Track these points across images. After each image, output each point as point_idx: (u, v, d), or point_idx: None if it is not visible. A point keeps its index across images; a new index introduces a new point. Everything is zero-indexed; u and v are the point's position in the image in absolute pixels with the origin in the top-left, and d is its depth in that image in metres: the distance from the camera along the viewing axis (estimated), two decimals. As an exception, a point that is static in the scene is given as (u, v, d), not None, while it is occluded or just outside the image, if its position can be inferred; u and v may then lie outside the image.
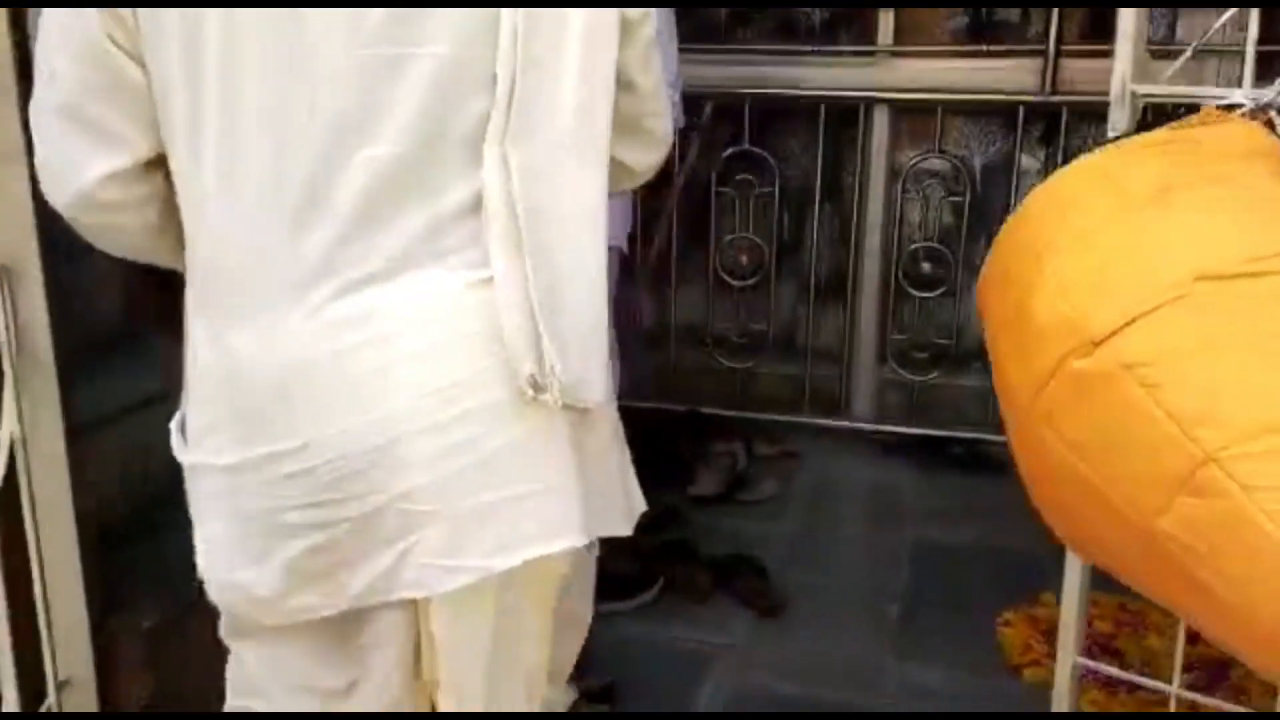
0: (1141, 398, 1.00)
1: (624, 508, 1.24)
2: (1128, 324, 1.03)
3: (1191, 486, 0.97)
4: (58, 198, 1.13)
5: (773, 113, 3.43)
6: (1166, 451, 0.99)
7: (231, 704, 1.28)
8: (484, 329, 1.07)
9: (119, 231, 1.17)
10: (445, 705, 1.22)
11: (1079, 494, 1.09)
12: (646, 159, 1.28)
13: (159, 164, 1.11)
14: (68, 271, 1.68)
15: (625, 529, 1.24)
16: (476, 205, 1.06)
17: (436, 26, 1.03)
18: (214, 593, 1.17)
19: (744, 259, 3.53)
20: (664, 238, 3.49)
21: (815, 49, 3.33)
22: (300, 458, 1.07)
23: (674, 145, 1.59)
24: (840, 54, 3.34)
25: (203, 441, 1.13)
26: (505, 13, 1.03)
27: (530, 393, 1.06)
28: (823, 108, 3.30)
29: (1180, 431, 0.98)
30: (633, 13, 1.14)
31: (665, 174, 3.33)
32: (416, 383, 1.06)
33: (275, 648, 1.22)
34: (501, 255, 1.06)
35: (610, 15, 1.10)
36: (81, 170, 1.09)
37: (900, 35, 3.24)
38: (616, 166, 1.19)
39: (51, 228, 1.52)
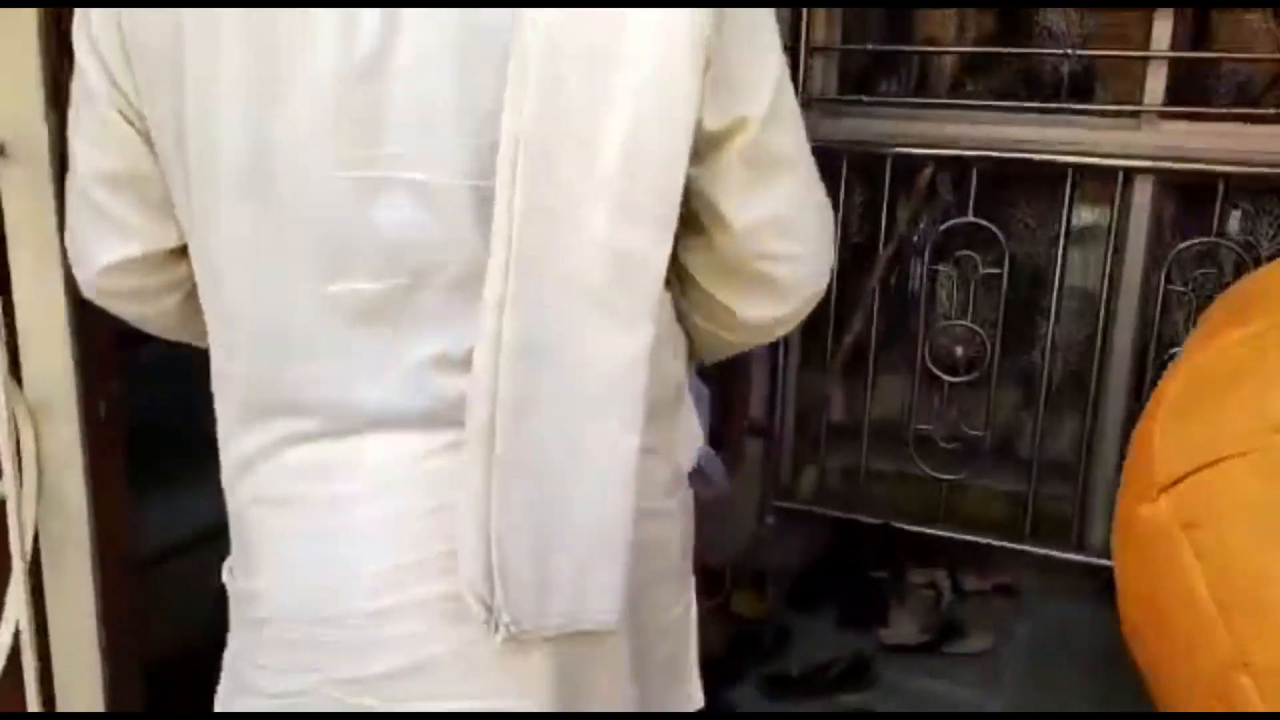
0: (1191, 568, 0.90)
1: None
2: (1192, 473, 0.90)
3: (1219, 687, 0.88)
4: (79, 278, 1.05)
5: (1004, 180, 2.89)
6: (1202, 640, 0.89)
7: None
8: (446, 507, 0.88)
9: (139, 319, 1.08)
10: None
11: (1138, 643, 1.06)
12: (767, 311, 0.99)
13: (184, 252, 0.98)
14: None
15: None
16: (461, 361, 0.86)
17: (422, 146, 0.83)
18: None
19: (959, 350, 2.98)
20: (863, 320, 2.98)
21: (1062, 106, 2.77)
22: (262, 603, 0.97)
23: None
24: (1095, 113, 2.77)
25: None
26: (505, 135, 0.79)
27: (486, 624, 0.87)
28: (1069, 176, 2.73)
29: (1219, 619, 0.88)
30: (721, 116, 0.85)
31: (869, 247, 2.86)
32: (367, 557, 0.91)
33: None
34: (474, 457, 0.85)
35: (675, 132, 0.82)
36: (94, 256, 1.00)
37: (1173, 94, 2.66)
38: (720, 319, 0.98)
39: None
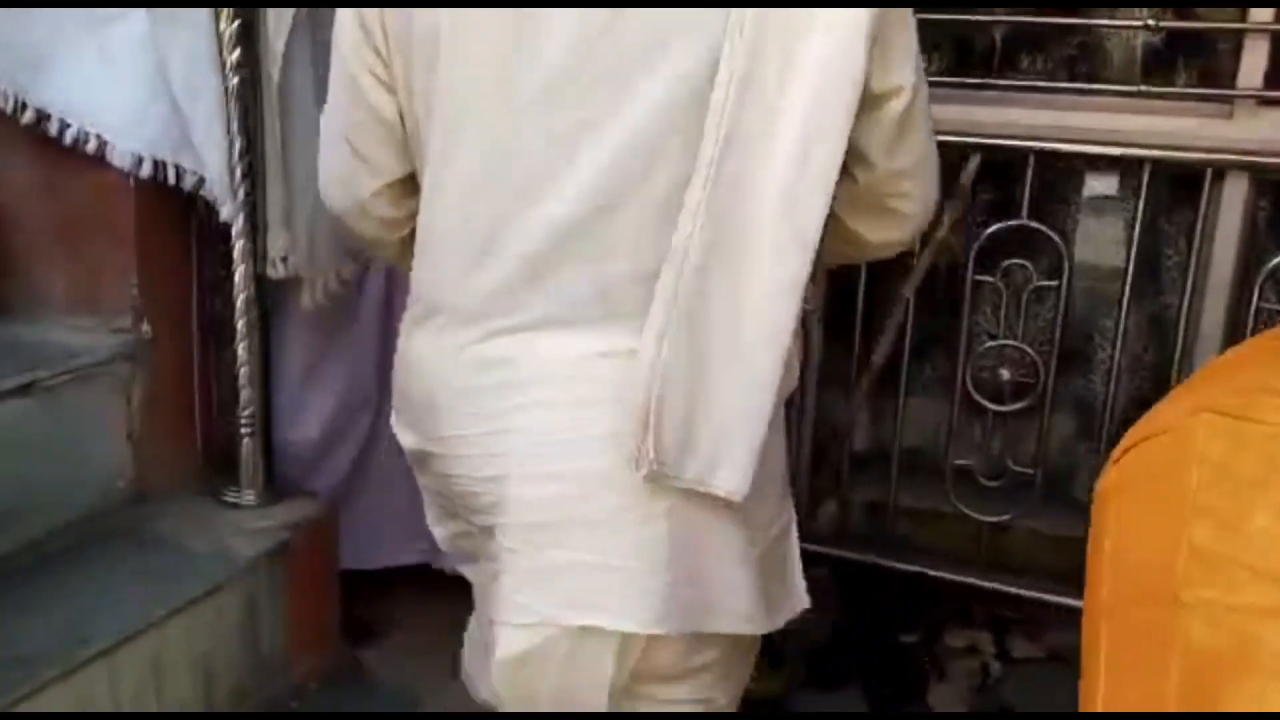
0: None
1: (744, 609, 1.22)
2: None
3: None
4: (336, 203, 1.33)
5: (1065, 175, 2.47)
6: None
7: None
8: (608, 400, 1.11)
9: (378, 242, 1.36)
10: None
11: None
12: (889, 235, 1.28)
13: (416, 186, 1.25)
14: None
15: (744, 627, 1.23)
16: (645, 276, 1.08)
17: (637, 94, 1.04)
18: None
19: (1006, 373, 2.56)
20: (894, 334, 2.56)
21: (1138, 90, 2.34)
22: (441, 463, 1.24)
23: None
24: (1177, 97, 2.34)
25: (395, 418, 1.32)
26: (717, 89, 1.02)
27: (638, 469, 1.09)
28: (1145, 170, 2.31)
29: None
30: (883, 83, 1.09)
31: (901, 255, 2.43)
32: (529, 433, 1.14)
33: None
34: (652, 333, 1.07)
35: (847, 92, 1.04)
36: (359, 188, 1.28)
37: (1274, 77, 2.23)
38: (849, 239, 1.24)
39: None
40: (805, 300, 1.09)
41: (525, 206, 1.08)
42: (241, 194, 1.62)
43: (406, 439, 1.27)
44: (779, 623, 1.26)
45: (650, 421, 1.05)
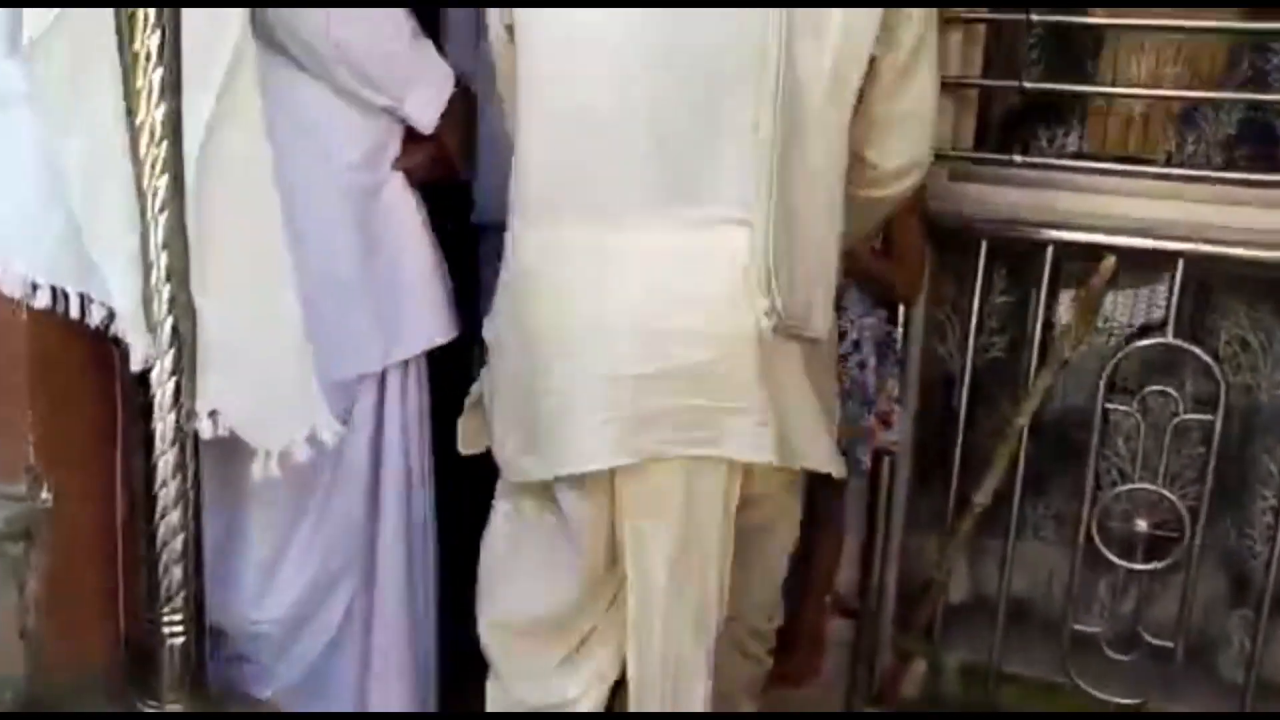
0: None
1: (831, 447, 1.44)
2: None
3: None
4: None
5: (1219, 283, 2.00)
6: None
7: None
8: (723, 262, 1.28)
9: None
10: (630, 603, 1.39)
11: None
12: (904, 157, 1.44)
13: None
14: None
15: (831, 468, 1.43)
16: (739, 158, 1.27)
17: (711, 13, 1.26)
18: None
19: (1141, 521, 2.09)
20: (1003, 470, 2.09)
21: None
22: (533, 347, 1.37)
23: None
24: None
25: None
26: (772, 27, 1.24)
27: (763, 321, 1.28)
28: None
29: None
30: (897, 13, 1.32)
31: (1012, 367, 1.98)
32: (646, 290, 1.29)
33: None
34: (757, 204, 1.26)
35: (867, 33, 1.29)
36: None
37: None
38: (866, 172, 1.42)
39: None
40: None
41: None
42: (166, 331, 1.21)
43: None
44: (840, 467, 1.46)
45: (771, 281, 1.26)
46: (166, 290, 1.20)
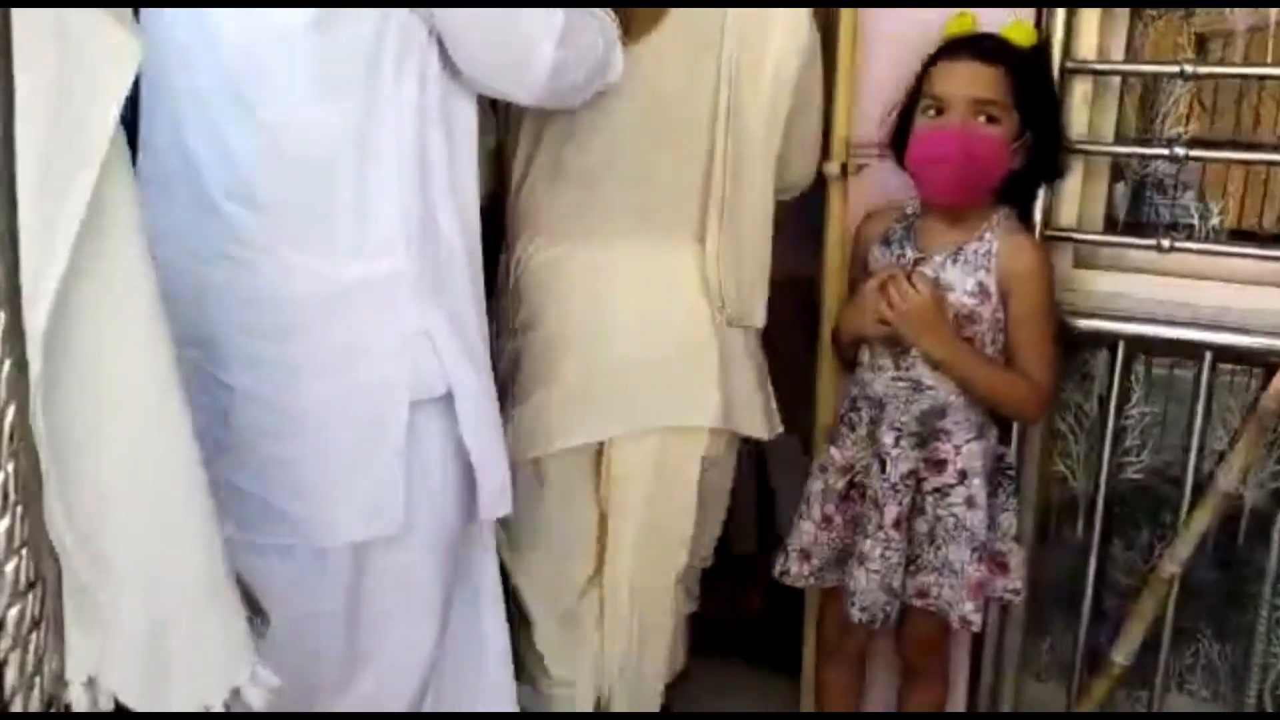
0: None
1: (764, 420, 1.68)
2: None
3: None
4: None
5: None
6: None
7: None
8: (693, 275, 1.59)
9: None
10: (610, 529, 1.63)
11: None
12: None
13: None
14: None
15: (763, 433, 1.68)
16: (697, 190, 1.59)
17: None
18: None
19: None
20: (1148, 622, 1.69)
21: None
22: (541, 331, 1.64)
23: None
24: None
25: None
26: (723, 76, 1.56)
27: (717, 317, 1.59)
28: None
29: None
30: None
31: (1152, 503, 1.57)
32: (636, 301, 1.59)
33: None
34: (711, 226, 1.58)
35: (792, 68, 1.58)
36: None
37: None
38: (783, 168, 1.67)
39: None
40: None
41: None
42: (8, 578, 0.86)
43: None
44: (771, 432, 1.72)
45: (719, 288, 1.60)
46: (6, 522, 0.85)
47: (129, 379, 0.85)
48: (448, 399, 1.31)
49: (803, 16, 1.59)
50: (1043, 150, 1.56)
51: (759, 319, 1.65)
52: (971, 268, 1.57)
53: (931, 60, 1.56)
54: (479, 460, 1.34)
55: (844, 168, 1.76)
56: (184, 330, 1.10)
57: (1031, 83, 1.53)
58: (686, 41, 1.53)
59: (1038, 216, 1.68)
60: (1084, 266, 1.72)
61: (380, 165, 1.23)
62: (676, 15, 1.52)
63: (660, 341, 1.58)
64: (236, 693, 0.97)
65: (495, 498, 1.38)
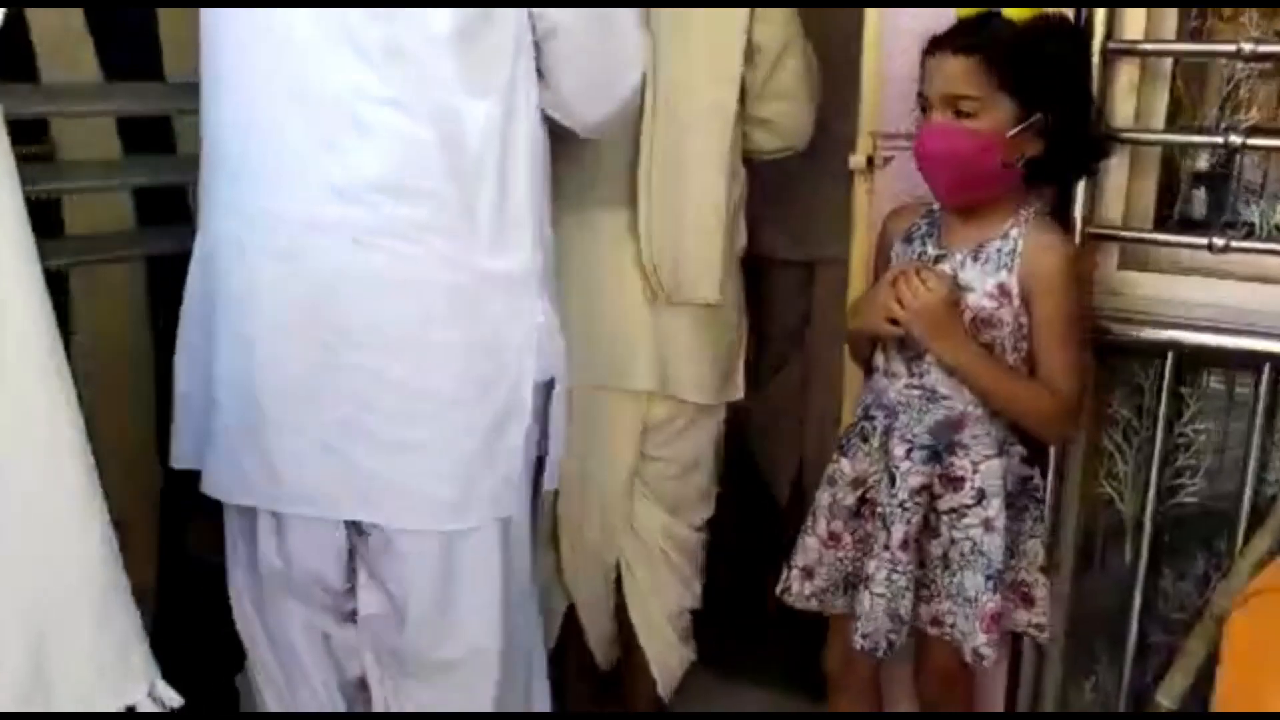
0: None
1: (714, 387, 1.84)
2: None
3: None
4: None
5: None
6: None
7: None
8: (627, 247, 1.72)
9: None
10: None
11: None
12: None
13: None
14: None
15: (709, 399, 1.84)
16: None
17: None
18: None
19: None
20: (1200, 663, 1.52)
21: None
22: None
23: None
24: None
25: None
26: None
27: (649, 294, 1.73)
28: None
29: None
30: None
31: (1208, 531, 1.40)
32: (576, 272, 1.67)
33: None
34: (642, 201, 1.67)
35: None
36: None
37: None
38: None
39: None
40: None
41: None
42: None
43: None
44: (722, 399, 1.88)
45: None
46: None
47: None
48: (543, 384, 1.39)
49: None
50: (1062, 132, 1.41)
51: (706, 294, 1.73)
52: (993, 267, 1.44)
53: (923, 58, 1.45)
54: (556, 435, 1.43)
55: (870, 160, 1.66)
56: (318, 315, 1.25)
57: (1029, 63, 1.38)
58: None
59: (1078, 212, 1.53)
60: (1131, 268, 1.56)
61: (517, 161, 1.30)
62: None
63: (593, 309, 1.70)
64: (132, 710, 0.93)
65: (555, 470, 1.46)
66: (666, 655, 1.90)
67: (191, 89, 1.68)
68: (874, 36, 1.64)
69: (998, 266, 1.44)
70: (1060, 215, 1.52)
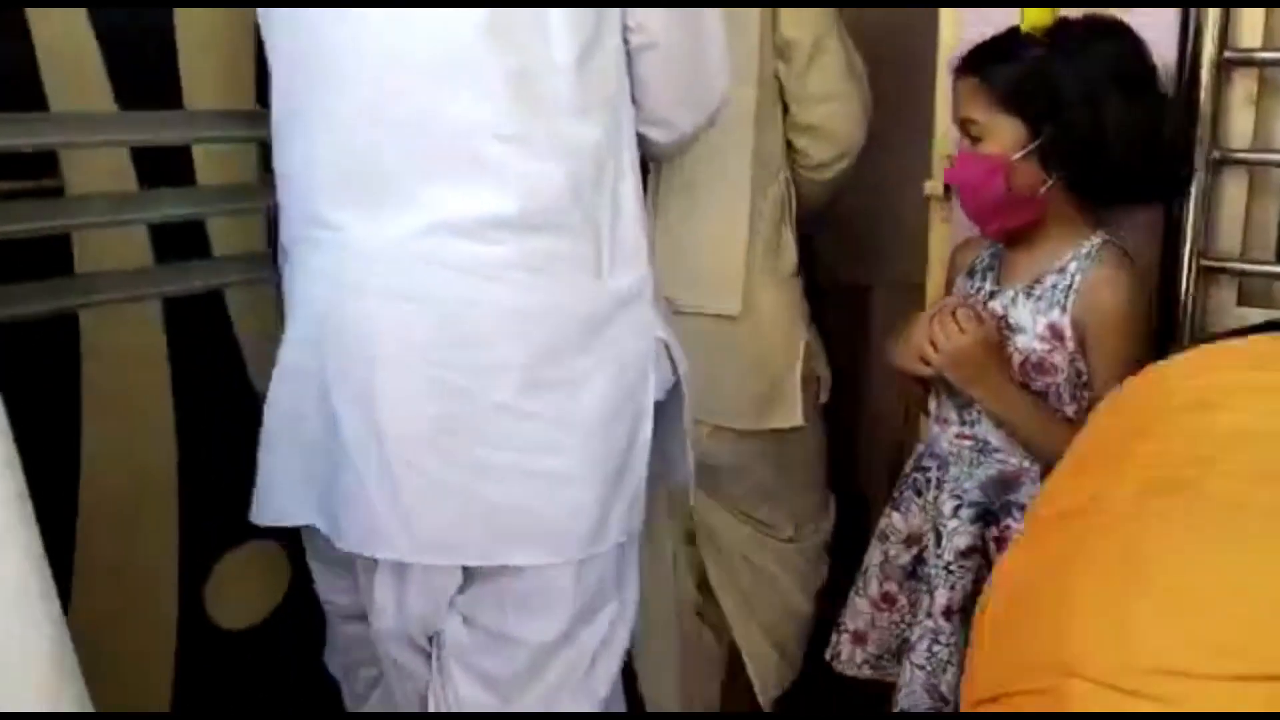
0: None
1: (752, 411, 1.79)
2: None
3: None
4: None
5: None
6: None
7: None
8: None
9: None
10: None
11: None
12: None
13: None
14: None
15: (739, 423, 1.78)
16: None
17: None
18: None
19: None
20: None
21: None
22: None
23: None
24: None
25: None
26: None
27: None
28: None
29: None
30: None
31: None
32: None
33: None
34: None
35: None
36: None
37: None
38: None
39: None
40: None
41: None
42: None
43: None
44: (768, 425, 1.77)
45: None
46: None
47: None
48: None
49: None
50: (1083, 152, 1.25)
51: (720, 306, 1.68)
52: (1046, 305, 1.29)
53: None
54: (687, 446, 1.40)
55: (946, 187, 1.52)
56: (446, 355, 1.21)
57: (1027, 77, 1.25)
58: None
59: (1188, 243, 1.36)
60: (1251, 304, 1.40)
61: (625, 178, 1.28)
62: None
63: None
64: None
65: (691, 480, 1.43)
66: (761, 666, 1.88)
67: (213, 117, 1.59)
68: (949, 50, 1.50)
69: (1050, 304, 1.29)
70: (1168, 246, 1.36)
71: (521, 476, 1.25)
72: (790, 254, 1.75)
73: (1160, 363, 1.03)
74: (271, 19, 1.26)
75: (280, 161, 1.30)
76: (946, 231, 1.53)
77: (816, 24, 1.65)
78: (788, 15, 1.63)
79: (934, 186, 1.54)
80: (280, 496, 1.34)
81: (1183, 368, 0.99)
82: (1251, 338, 1.00)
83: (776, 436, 1.77)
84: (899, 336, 1.39)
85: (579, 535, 1.27)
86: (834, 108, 1.70)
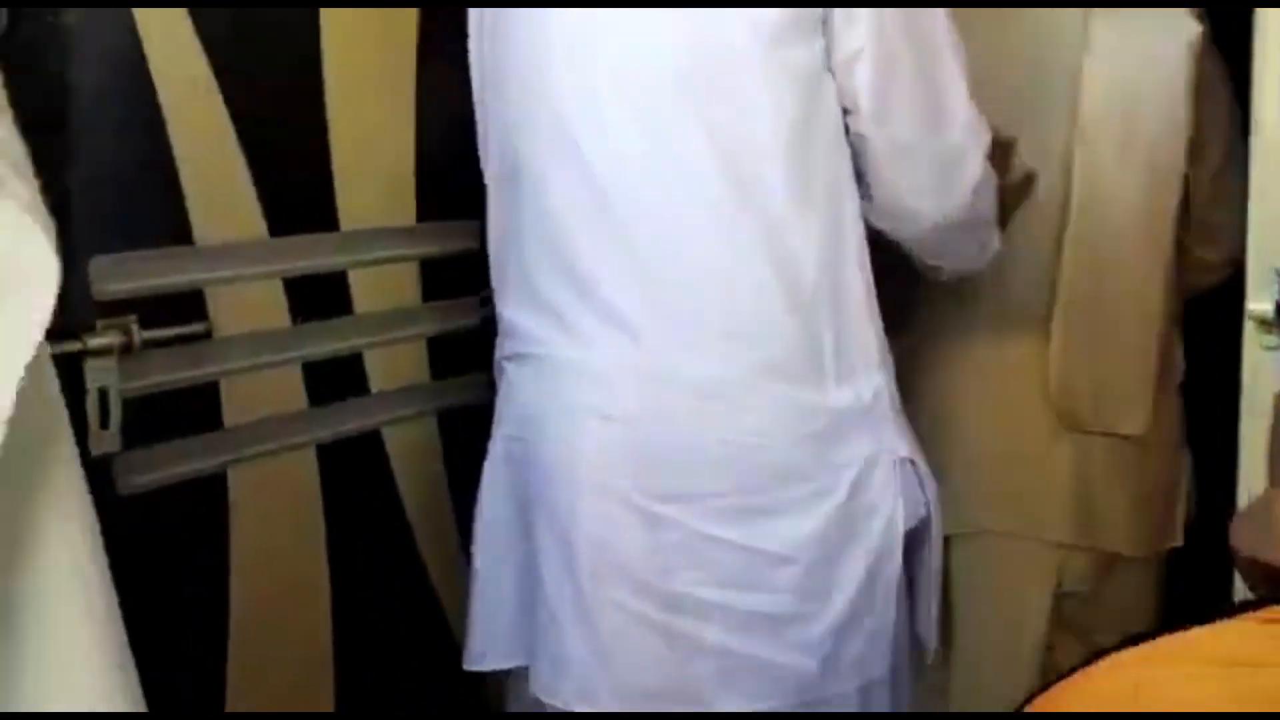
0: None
1: (1144, 536, 1.64)
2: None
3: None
4: None
5: None
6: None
7: None
8: (1033, 372, 1.55)
9: None
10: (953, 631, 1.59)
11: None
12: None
13: None
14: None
15: (1131, 550, 1.61)
16: None
17: None
18: None
19: None
20: None
21: None
22: None
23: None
24: None
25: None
26: None
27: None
28: None
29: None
30: None
31: None
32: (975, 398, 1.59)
33: None
34: (1058, 319, 1.53)
35: None
36: None
37: None
38: None
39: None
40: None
41: None
42: None
43: None
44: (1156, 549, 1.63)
45: None
46: None
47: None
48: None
49: (1181, 13, 1.46)
50: None
51: (1129, 426, 1.52)
52: None
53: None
54: (930, 589, 1.26)
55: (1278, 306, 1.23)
56: (650, 481, 1.13)
57: None
58: (1030, 95, 1.45)
59: None
60: None
61: (851, 277, 1.18)
62: (1016, 68, 1.45)
63: (993, 442, 1.52)
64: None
65: (933, 629, 1.28)
66: None
67: (369, 236, 1.44)
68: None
69: None
70: None
71: (738, 617, 1.14)
72: (1180, 362, 1.63)
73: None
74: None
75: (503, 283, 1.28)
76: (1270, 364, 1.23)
77: (1229, 129, 1.54)
78: (1204, 117, 1.53)
79: (1259, 308, 1.23)
80: (479, 640, 1.26)
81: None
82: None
83: (1144, 562, 1.64)
84: (1250, 515, 1.10)
85: (798, 679, 1.16)
86: (1233, 215, 1.51)
